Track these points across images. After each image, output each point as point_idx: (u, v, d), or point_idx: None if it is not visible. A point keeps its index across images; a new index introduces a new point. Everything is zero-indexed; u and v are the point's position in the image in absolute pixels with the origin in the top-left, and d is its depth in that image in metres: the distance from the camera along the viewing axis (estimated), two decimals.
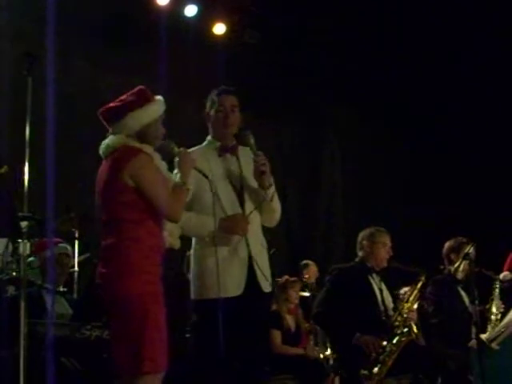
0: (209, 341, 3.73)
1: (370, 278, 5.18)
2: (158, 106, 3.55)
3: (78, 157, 7.18)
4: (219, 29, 8.68)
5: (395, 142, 9.86)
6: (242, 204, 3.88)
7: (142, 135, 3.49)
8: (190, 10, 8.37)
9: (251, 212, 3.86)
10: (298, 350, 6.13)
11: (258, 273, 3.85)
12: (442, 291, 5.60)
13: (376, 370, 4.82)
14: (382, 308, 5.10)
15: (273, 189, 3.90)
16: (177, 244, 3.61)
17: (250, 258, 3.85)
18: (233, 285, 3.77)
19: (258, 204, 3.88)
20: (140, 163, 3.38)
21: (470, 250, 5.24)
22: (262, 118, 8.96)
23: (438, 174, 9.35)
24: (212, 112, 3.99)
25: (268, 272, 3.91)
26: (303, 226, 9.87)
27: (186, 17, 8.37)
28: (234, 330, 3.74)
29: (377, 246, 5.24)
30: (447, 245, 5.87)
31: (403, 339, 4.92)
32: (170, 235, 3.55)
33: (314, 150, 10.57)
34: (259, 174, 3.81)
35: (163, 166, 3.53)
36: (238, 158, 3.96)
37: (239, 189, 3.89)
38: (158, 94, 3.72)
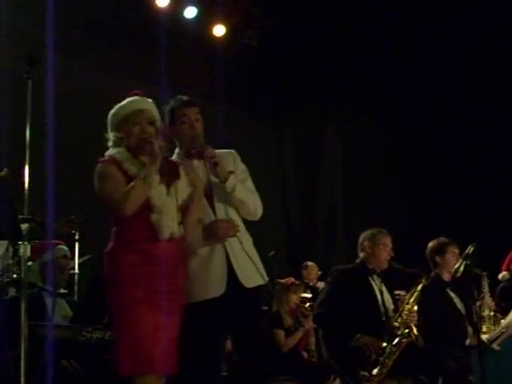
0: (197, 345, 3.73)
1: (370, 279, 5.18)
2: (121, 107, 3.65)
3: (78, 158, 7.19)
4: (219, 30, 8.70)
5: (396, 141, 9.85)
6: (212, 207, 3.88)
7: (114, 141, 3.62)
8: (190, 12, 8.39)
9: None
10: (300, 333, 6.19)
11: (238, 269, 3.83)
12: (431, 298, 5.55)
13: (376, 371, 4.82)
14: (382, 309, 5.09)
15: (233, 180, 3.87)
16: (166, 233, 3.52)
17: (228, 255, 3.84)
18: (214, 286, 3.78)
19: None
20: (96, 173, 3.54)
21: (470, 250, 5.23)
22: (261, 119, 8.96)
23: (439, 173, 9.34)
24: (176, 126, 3.95)
25: (250, 266, 3.85)
26: (303, 227, 9.88)
27: (185, 18, 8.38)
28: (223, 330, 3.79)
29: (378, 248, 5.24)
30: (430, 246, 5.83)
31: (403, 340, 4.91)
32: (158, 226, 3.50)
33: (314, 149, 10.58)
34: (213, 167, 3.82)
35: (136, 166, 3.52)
36: (205, 163, 3.92)
37: (209, 192, 3.88)
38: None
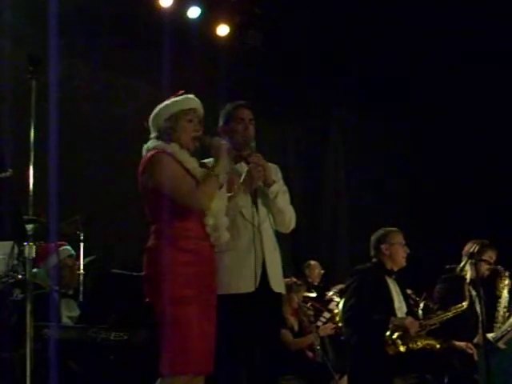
0: (222, 336, 3.78)
1: (388, 279, 5.17)
2: (177, 101, 3.65)
3: (82, 158, 7.21)
4: (222, 30, 8.68)
5: (401, 140, 9.84)
6: (256, 208, 4.02)
7: (165, 132, 3.59)
8: (194, 12, 8.37)
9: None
10: (310, 338, 6.19)
11: (270, 273, 3.96)
12: (449, 290, 5.57)
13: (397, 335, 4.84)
14: (397, 309, 5.10)
15: (277, 187, 4.05)
16: (224, 237, 3.63)
17: (263, 256, 3.96)
18: (246, 282, 3.89)
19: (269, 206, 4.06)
20: (154, 163, 3.48)
21: (474, 249, 5.23)
22: (265, 119, 8.95)
23: (444, 174, 9.31)
24: (230, 125, 4.13)
25: (280, 273, 4.05)
26: (307, 226, 9.85)
27: (189, 18, 8.37)
28: (246, 327, 3.85)
29: (395, 248, 5.23)
30: (466, 249, 5.82)
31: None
32: (215, 230, 3.58)
33: (317, 149, 10.57)
34: (262, 172, 3.97)
35: (192, 162, 3.57)
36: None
37: (253, 194, 4.03)
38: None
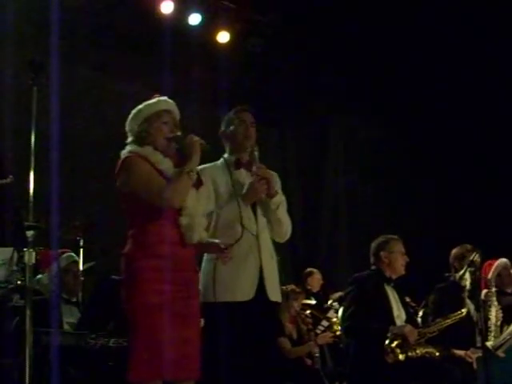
0: (217, 344, 3.78)
1: (386, 287, 5.17)
2: (150, 104, 3.62)
3: (82, 165, 7.21)
4: (223, 37, 8.71)
5: (399, 149, 9.84)
6: (255, 216, 4.03)
7: (140, 136, 3.56)
8: (194, 19, 8.39)
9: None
10: (309, 346, 6.17)
11: (267, 281, 3.96)
12: (443, 300, 5.56)
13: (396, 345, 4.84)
14: (396, 317, 5.10)
15: (279, 199, 4.05)
16: (197, 236, 3.52)
17: (261, 265, 3.96)
18: (244, 290, 3.90)
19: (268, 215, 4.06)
20: (125, 166, 3.47)
21: (474, 257, 5.22)
22: (265, 125, 8.97)
23: (446, 180, 9.30)
24: (231, 128, 4.14)
25: (276, 282, 4.05)
26: (307, 234, 9.86)
27: (189, 25, 8.39)
28: (243, 335, 3.83)
29: (395, 256, 5.21)
30: (453, 252, 5.84)
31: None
32: (189, 230, 3.49)
33: (317, 155, 10.57)
34: (265, 183, 3.96)
35: (165, 162, 3.52)
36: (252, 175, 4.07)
37: (253, 204, 4.03)
38: None
